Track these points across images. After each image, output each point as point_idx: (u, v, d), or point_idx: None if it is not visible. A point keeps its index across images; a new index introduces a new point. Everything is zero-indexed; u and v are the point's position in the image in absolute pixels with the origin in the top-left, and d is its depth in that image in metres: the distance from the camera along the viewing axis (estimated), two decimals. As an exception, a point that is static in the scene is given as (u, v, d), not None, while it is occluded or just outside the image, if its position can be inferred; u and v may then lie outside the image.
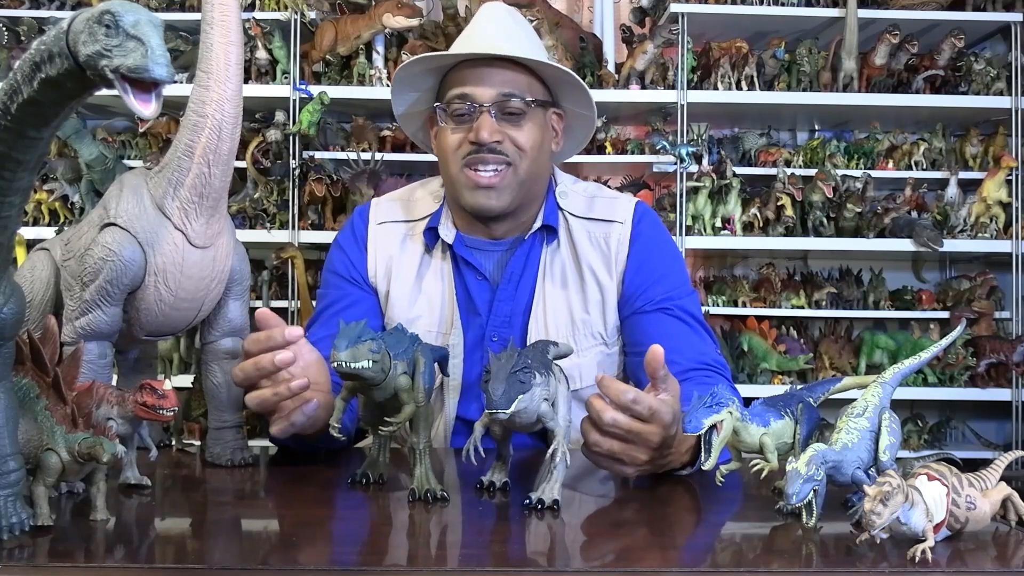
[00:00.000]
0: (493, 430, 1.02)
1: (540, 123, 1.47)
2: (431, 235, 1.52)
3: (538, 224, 1.51)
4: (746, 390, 2.97)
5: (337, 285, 1.55)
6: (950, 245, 3.16)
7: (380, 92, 3.09)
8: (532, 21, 3.03)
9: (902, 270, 3.52)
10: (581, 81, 1.50)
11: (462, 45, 1.47)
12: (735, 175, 3.14)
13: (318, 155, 3.17)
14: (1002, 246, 3.20)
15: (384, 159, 3.14)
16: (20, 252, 2.84)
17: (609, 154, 3.22)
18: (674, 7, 3.10)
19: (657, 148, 3.12)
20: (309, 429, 1.21)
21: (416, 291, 1.51)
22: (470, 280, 1.50)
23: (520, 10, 3.17)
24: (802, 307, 3.22)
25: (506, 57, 1.43)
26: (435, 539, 0.92)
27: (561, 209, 1.53)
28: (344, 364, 0.97)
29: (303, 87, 3.12)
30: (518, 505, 0.99)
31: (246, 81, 2.67)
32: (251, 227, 3.13)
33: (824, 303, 3.21)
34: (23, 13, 3.23)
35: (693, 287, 1.58)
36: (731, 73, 3.16)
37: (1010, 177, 3.19)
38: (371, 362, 0.98)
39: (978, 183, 3.22)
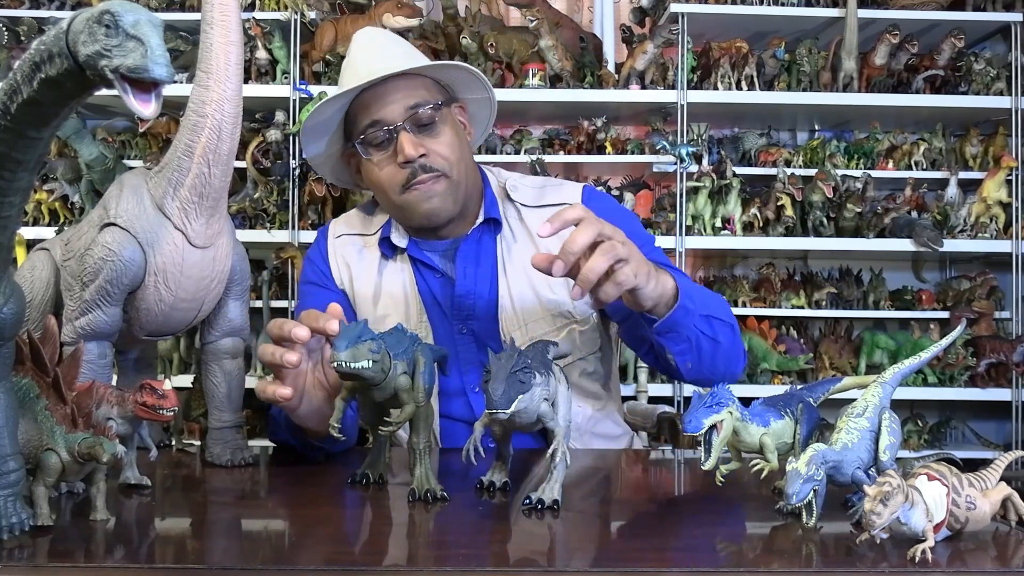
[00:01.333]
0: (493, 430, 1.02)
1: (451, 123, 1.52)
2: (386, 244, 1.57)
3: (481, 218, 1.55)
4: (746, 390, 2.97)
5: (312, 293, 1.59)
6: (950, 245, 3.16)
7: (380, 92, 3.09)
8: (532, 21, 3.04)
9: (902, 270, 3.52)
10: (465, 65, 1.55)
11: (351, 78, 1.50)
12: (735, 175, 3.14)
13: (318, 155, 3.17)
14: (1002, 246, 3.20)
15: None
16: (20, 252, 2.84)
17: (609, 154, 3.22)
18: (674, 7, 3.10)
19: (657, 148, 3.12)
20: (321, 424, 1.22)
21: (379, 291, 1.55)
22: (429, 278, 1.55)
23: (520, 10, 3.20)
24: (802, 307, 3.22)
25: (399, 73, 1.47)
26: (435, 539, 0.92)
27: (513, 202, 1.57)
28: (344, 364, 0.97)
29: (303, 87, 3.12)
30: (518, 505, 0.99)
31: (246, 81, 2.67)
32: (251, 227, 3.12)
33: (824, 303, 3.21)
34: (23, 13, 3.23)
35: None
36: (731, 73, 3.16)
37: (1010, 177, 3.19)
38: (371, 362, 0.98)
39: (978, 183, 3.22)
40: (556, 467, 0.98)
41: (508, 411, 0.91)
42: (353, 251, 1.59)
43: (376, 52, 1.51)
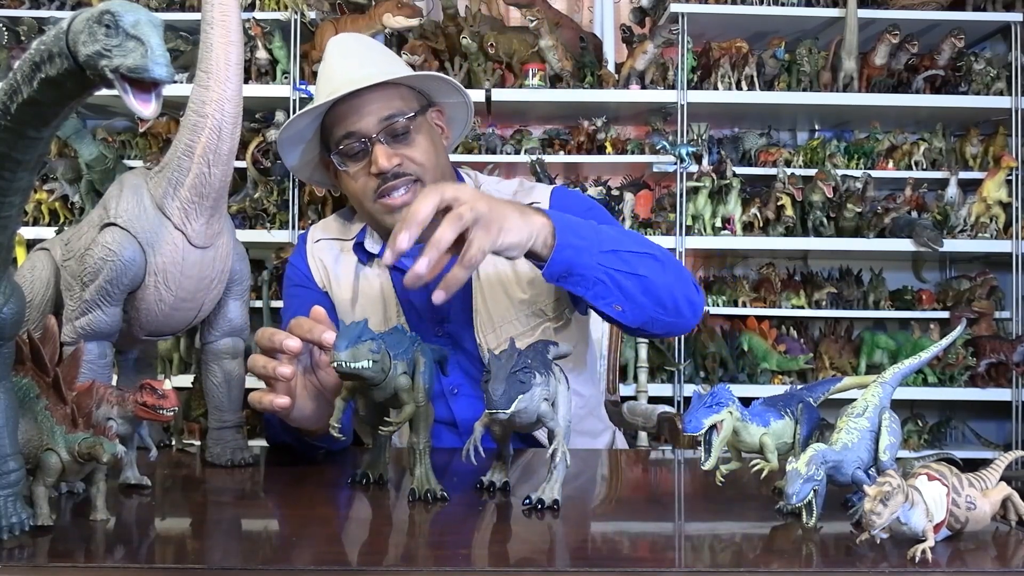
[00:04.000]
0: (493, 430, 1.02)
1: (427, 130, 1.52)
2: (360, 250, 1.58)
3: None
4: (746, 390, 2.97)
5: (297, 295, 1.60)
6: (950, 245, 3.16)
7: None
8: (532, 21, 3.04)
9: (902, 270, 3.52)
10: (438, 75, 1.57)
11: (325, 87, 1.50)
12: (735, 175, 3.14)
13: (318, 155, 3.17)
14: (1002, 246, 3.20)
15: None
16: (20, 252, 2.84)
17: (609, 154, 3.22)
18: (674, 7, 3.10)
19: (657, 148, 3.12)
20: (314, 426, 1.22)
21: (356, 295, 1.57)
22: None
23: (520, 10, 3.20)
24: (802, 307, 3.22)
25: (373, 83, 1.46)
26: (435, 539, 0.92)
27: None
28: (344, 364, 0.97)
29: (303, 87, 3.12)
30: (518, 505, 0.99)
31: (246, 81, 2.67)
32: (251, 227, 3.13)
33: (824, 303, 3.21)
34: (23, 13, 3.23)
35: None
36: (731, 73, 3.17)
37: (1010, 177, 3.19)
38: (371, 362, 0.98)
39: (978, 183, 3.22)
40: (556, 467, 0.98)
41: (508, 411, 0.91)
42: (331, 256, 1.60)
43: (350, 62, 1.51)
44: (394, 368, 1.02)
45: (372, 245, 1.57)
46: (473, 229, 1.06)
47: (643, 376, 2.39)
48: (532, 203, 1.56)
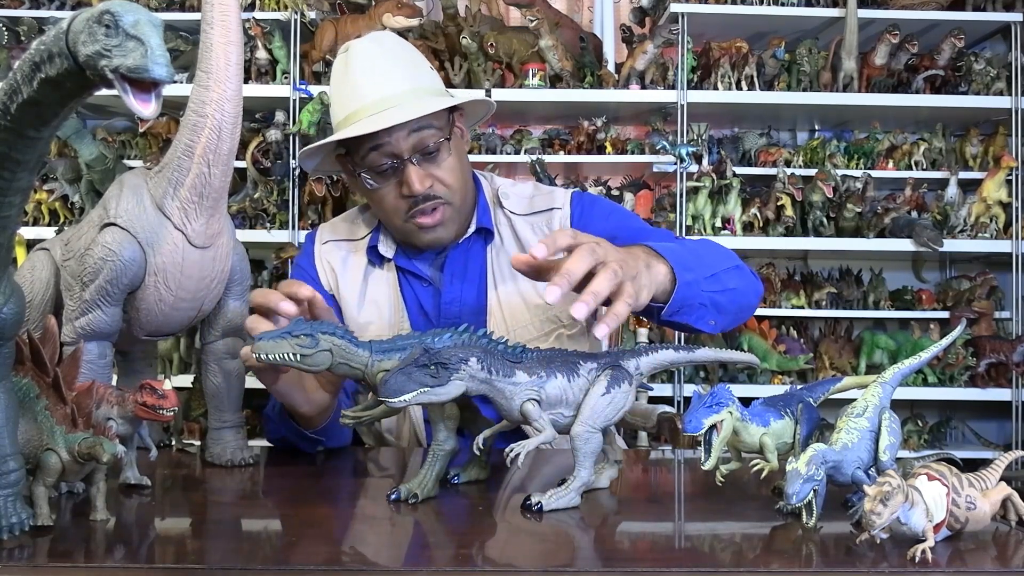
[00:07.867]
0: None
1: (455, 146, 1.50)
2: (373, 253, 1.57)
3: (473, 228, 1.55)
4: (746, 390, 2.97)
5: None
6: (950, 245, 3.16)
7: (380, 92, 3.09)
8: (532, 21, 3.04)
9: (902, 270, 3.52)
10: (478, 97, 1.58)
11: (352, 98, 1.46)
12: (735, 175, 3.14)
13: (318, 155, 3.17)
14: (1002, 246, 3.20)
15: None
16: (20, 252, 2.84)
17: (609, 154, 3.22)
18: (674, 7, 3.10)
19: (657, 148, 3.12)
20: (311, 411, 1.24)
21: (362, 298, 1.56)
22: (416, 286, 1.56)
23: (520, 10, 3.20)
24: (802, 307, 3.22)
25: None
26: (433, 539, 0.92)
27: (503, 208, 1.58)
28: (258, 355, 1.00)
29: (303, 87, 3.12)
30: (516, 505, 0.99)
31: (246, 81, 2.67)
32: (251, 227, 3.13)
33: (824, 303, 3.21)
34: (23, 13, 3.23)
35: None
36: (731, 73, 3.16)
37: (1010, 177, 3.19)
38: (295, 356, 0.99)
39: (978, 183, 3.22)
40: (572, 478, 0.98)
41: (395, 401, 0.91)
42: (338, 257, 1.59)
43: (379, 77, 1.46)
44: (374, 364, 1.02)
45: (386, 249, 1.56)
46: (620, 285, 1.06)
47: (643, 376, 2.39)
48: (552, 208, 1.56)
